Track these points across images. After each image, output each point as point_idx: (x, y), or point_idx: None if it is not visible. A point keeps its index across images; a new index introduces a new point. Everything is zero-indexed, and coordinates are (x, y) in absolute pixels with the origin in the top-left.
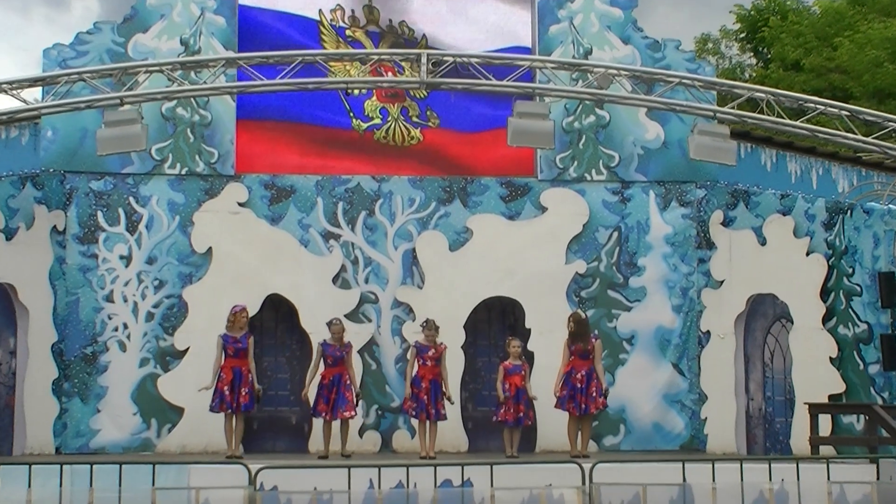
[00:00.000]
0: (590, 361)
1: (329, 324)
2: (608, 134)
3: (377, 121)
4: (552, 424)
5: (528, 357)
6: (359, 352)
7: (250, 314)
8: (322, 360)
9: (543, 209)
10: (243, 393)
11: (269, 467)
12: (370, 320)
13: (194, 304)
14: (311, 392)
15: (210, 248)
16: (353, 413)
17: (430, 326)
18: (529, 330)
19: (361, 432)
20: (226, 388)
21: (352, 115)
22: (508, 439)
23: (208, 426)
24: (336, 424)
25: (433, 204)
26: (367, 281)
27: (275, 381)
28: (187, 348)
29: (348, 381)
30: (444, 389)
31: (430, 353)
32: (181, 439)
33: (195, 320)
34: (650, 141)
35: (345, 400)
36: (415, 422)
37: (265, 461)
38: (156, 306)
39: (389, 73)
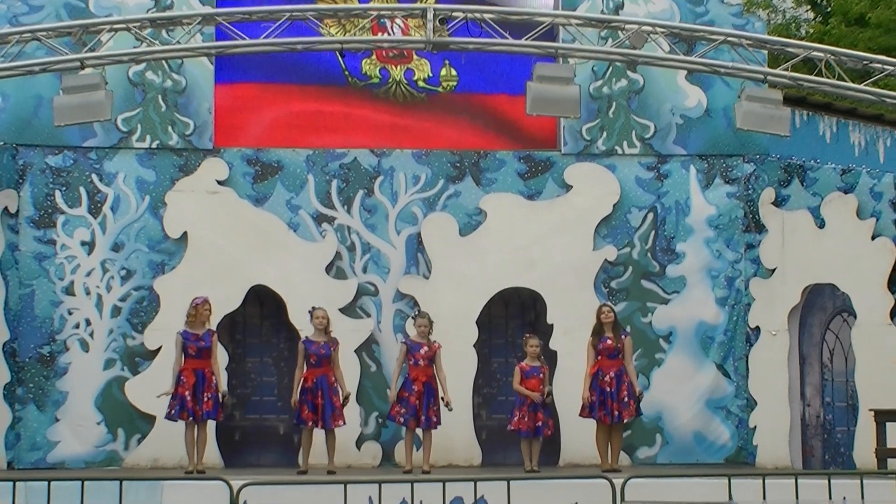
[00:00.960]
0: (619, 362)
1: (310, 313)
2: (642, 101)
3: (375, 80)
4: (578, 434)
5: (550, 358)
6: (356, 351)
7: (232, 308)
8: (304, 359)
9: (568, 187)
10: (206, 399)
11: (254, 483)
12: (369, 315)
13: (167, 297)
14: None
15: (185, 232)
16: (342, 422)
17: (424, 318)
18: (552, 326)
19: (359, 443)
20: (187, 393)
21: (347, 74)
22: (528, 451)
23: (182, 437)
24: (320, 434)
25: (441, 181)
26: (365, 270)
27: (260, 385)
28: (159, 348)
29: (335, 384)
30: (440, 394)
31: (423, 352)
32: (153, 452)
33: (168, 316)
34: (690, 109)
35: (332, 407)
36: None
37: (249, 477)
38: (123, 300)
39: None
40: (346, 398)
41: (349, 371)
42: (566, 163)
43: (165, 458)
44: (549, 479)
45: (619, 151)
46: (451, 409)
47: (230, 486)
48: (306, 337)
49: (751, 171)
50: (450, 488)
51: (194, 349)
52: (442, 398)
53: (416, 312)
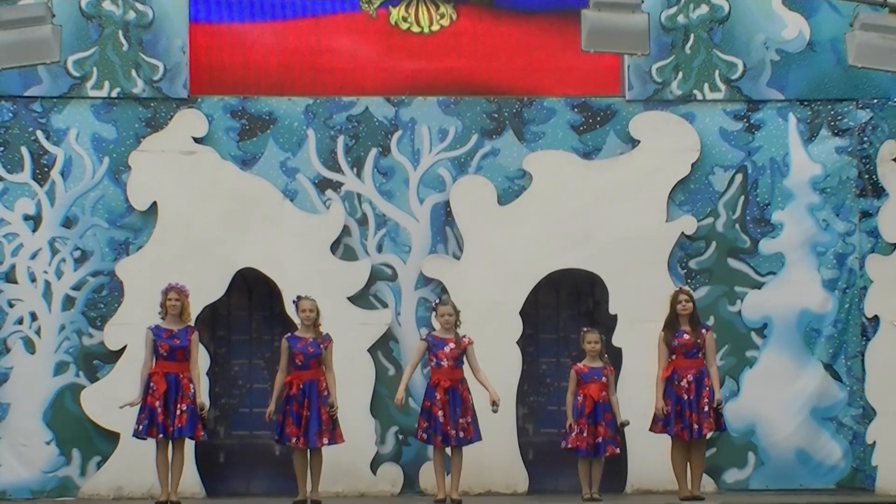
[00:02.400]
0: (699, 361)
1: (295, 304)
2: (727, 32)
3: None
4: (649, 453)
5: (614, 357)
6: (370, 351)
7: (214, 297)
8: (289, 360)
9: (634, 143)
10: (179, 411)
11: None
12: (386, 305)
13: (132, 284)
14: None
15: (154, 203)
16: (328, 440)
17: (446, 305)
18: (615, 318)
19: (375, 466)
20: (157, 403)
21: None
22: (586, 475)
23: (153, 459)
24: (326, 452)
25: (475, 136)
26: (380, 249)
27: (249, 394)
28: (123, 348)
29: (325, 392)
30: (470, 400)
31: (448, 350)
32: (115, 478)
33: (133, 308)
34: (789, 41)
35: (319, 420)
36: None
37: None
38: (77, 288)
39: None
40: (331, 407)
41: (361, 375)
42: (632, 111)
43: (132, 485)
44: None
45: (699, 97)
46: (496, 411)
47: None
48: (291, 333)
49: (866, 120)
50: None
51: (166, 349)
52: (490, 400)
53: (438, 299)
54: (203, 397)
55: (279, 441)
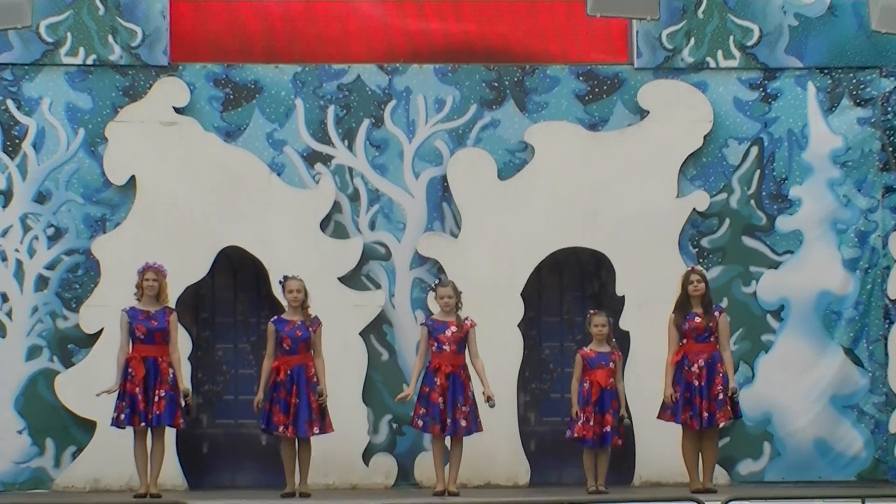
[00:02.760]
0: (712, 346)
1: (281, 284)
2: None
3: None
4: (658, 443)
5: (621, 341)
6: (362, 334)
7: (196, 278)
8: (276, 344)
9: (643, 114)
10: (158, 398)
11: None
12: (379, 287)
13: (109, 263)
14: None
15: (132, 177)
16: (318, 430)
17: (446, 287)
18: (622, 300)
19: (368, 456)
20: (137, 390)
21: None
22: (591, 466)
23: (132, 449)
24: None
25: (473, 107)
26: (373, 227)
27: (234, 380)
28: (100, 331)
29: (314, 379)
30: (471, 389)
31: (450, 333)
32: (92, 470)
33: (110, 288)
34: (809, 5)
35: (308, 409)
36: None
37: (221, 501)
38: (51, 267)
39: None
40: (321, 396)
41: (353, 361)
42: (641, 80)
43: (109, 477)
44: (620, 503)
45: (712, 64)
46: (492, 406)
47: None
48: (278, 316)
49: (890, 89)
50: None
51: (143, 331)
52: (483, 395)
53: (437, 282)
54: (185, 383)
55: (266, 430)
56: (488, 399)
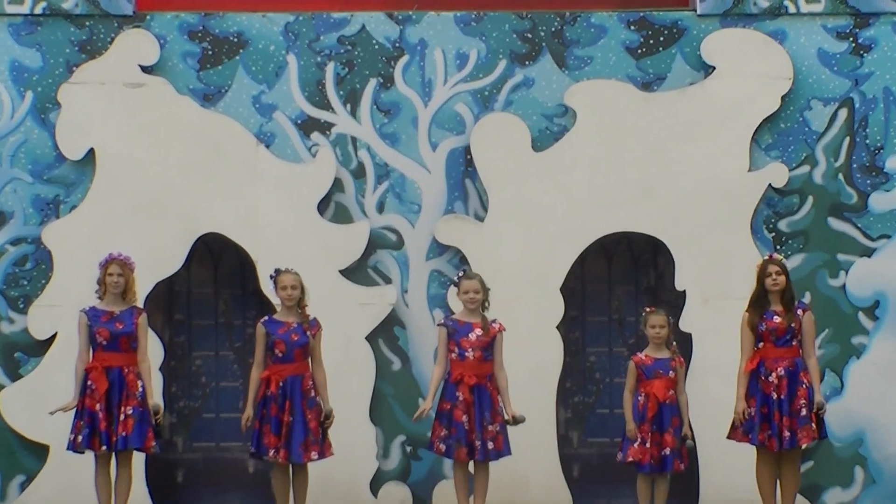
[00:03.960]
0: (793, 350)
1: (273, 279)
2: None
3: None
4: (726, 468)
5: (683, 345)
6: (369, 339)
7: (170, 271)
8: (267, 350)
9: (707, 70)
10: (124, 416)
11: None
12: (389, 280)
13: (64, 254)
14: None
15: (91, 150)
16: (317, 454)
17: (472, 280)
18: (683, 295)
19: (376, 486)
20: (97, 407)
21: None
22: (646, 496)
23: (92, 478)
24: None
25: (502, 63)
26: (381, 209)
27: (215, 394)
28: (53, 336)
29: (312, 393)
30: (500, 402)
31: (474, 337)
32: (45, 501)
33: (65, 284)
34: None
35: (305, 429)
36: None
37: None
38: None
39: None
40: (328, 418)
41: (358, 370)
42: (704, 29)
43: None
44: None
45: (792, 9)
46: (513, 422)
47: None
48: (269, 316)
49: None
50: None
51: (106, 336)
52: (511, 419)
53: (462, 273)
54: (156, 398)
55: (255, 455)
56: (513, 419)
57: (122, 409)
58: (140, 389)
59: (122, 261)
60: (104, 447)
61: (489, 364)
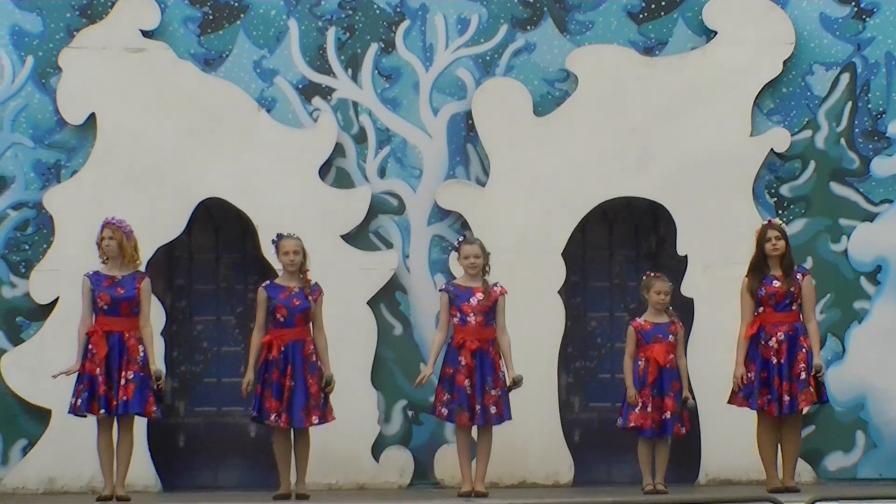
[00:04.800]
0: (793, 315)
1: (275, 244)
2: None
3: None
4: (727, 433)
5: (683, 310)
6: (370, 304)
7: (170, 236)
8: (269, 315)
9: (709, 34)
10: (125, 380)
11: None
12: (390, 245)
13: (65, 219)
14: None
15: (92, 115)
16: (318, 419)
17: (473, 245)
18: (684, 260)
19: (378, 451)
20: (97, 371)
21: None
22: (647, 461)
23: (94, 443)
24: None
25: (504, 28)
26: (383, 174)
27: (216, 359)
28: (54, 301)
29: (313, 358)
30: (502, 367)
31: (475, 302)
32: (46, 467)
33: (67, 249)
34: None
35: (306, 394)
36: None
37: None
38: None
39: None
40: (328, 383)
41: (360, 335)
42: None
43: (67, 476)
44: None
45: None
46: (515, 386)
47: None
48: (270, 281)
49: None
50: None
51: (107, 301)
52: (512, 383)
53: (462, 238)
54: (158, 364)
55: (257, 419)
56: (513, 383)
57: (123, 373)
58: (141, 354)
59: (115, 224)
60: (102, 411)
61: (491, 328)
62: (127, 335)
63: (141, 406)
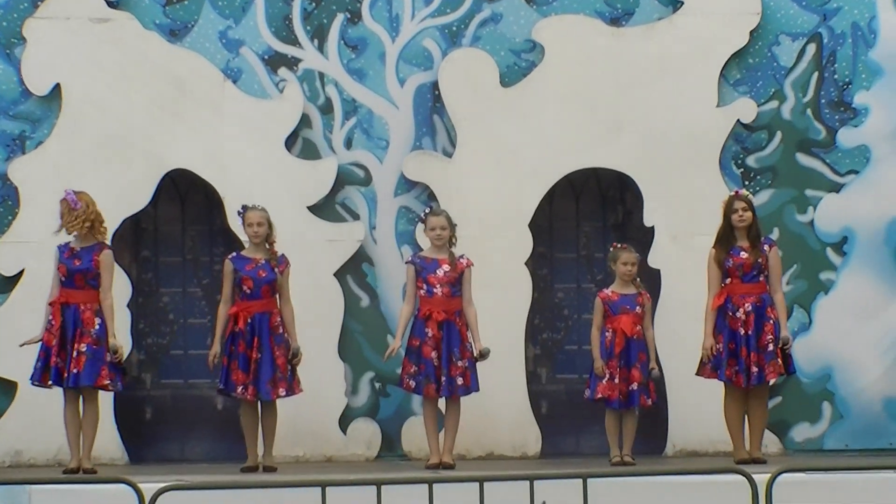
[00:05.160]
0: (761, 286)
1: (240, 216)
2: None
3: None
4: (695, 404)
5: (651, 281)
6: (337, 275)
7: (136, 208)
8: (235, 287)
9: (676, 4)
10: (76, 353)
11: (176, 488)
12: (357, 217)
13: (31, 190)
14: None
15: (57, 86)
16: (285, 391)
17: (439, 216)
18: (651, 231)
19: (345, 423)
20: (53, 342)
21: None
22: (615, 432)
23: (61, 415)
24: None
25: None
26: (349, 144)
27: (182, 331)
28: (20, 273)
29: (280, 330)
30: (469, 339)
31: (442, 273)
32: (12, 441)
33: (32, 221)
34: None
35: (273, 366)
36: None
37: (168, 477)
38: None
39: None
40: (295, 355)
41: (327, 307)
42: None
43: (33, 449)
44: (649, 476)
45: None
46: (482, 357)
47: (139, 493)
48: (236, 253)
49: None
50: (491, 492)
51: (64, 272)
52: (479, 355)
53: (428, 209)
54: (117, 337)
55: (224, 391)
56: (480, 356)
57: (76, 346)
58: (97, 327)
59: (66, 198)
60: (51, 382)
61: (458, 300)
62: (83, 307)
63: (91, 379)
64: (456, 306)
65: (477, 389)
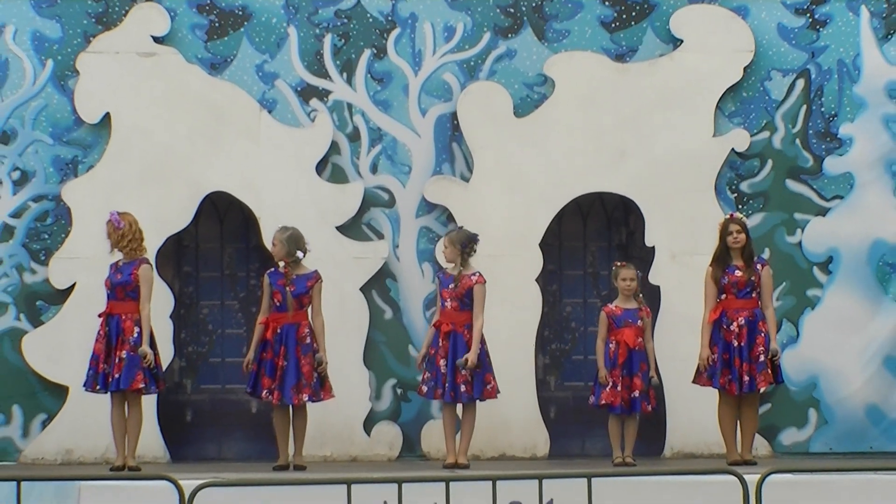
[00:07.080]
0: (753, 302)
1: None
2: None
3: None
4: (691, 410)
5: (651, 297)
6: (363, 290)
7: (178, 227)
8: (269, 300)
9: (676, 42)
10: (118, 359)
11: (214, 484)
12: (381, 236)
13: (82, 210)
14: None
15: (107, 115)
16: (308, 397)
17: (455, 239)
18: (652, 251)
19: (369, 425)
20: (100, 349)
21: None
22: (617, 435)
23: (108, 417)
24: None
25: (487, 35)
26: (375, 169)
27: (220, 340)
28: (72, 286)
29: (307, 339)
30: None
31: (452, 287)
32: (64, 440)
33: (83, 238)
34: None
35: (297, 373)
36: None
37: (206, 475)
38: (16, 215)
39: None
40: (320, 364)
41: (353, 319)
42: (674, 4)
43: (83, 448)
44: (648, 477)
45: None
46: (466, 369)
47: (179, 489)
48: (274, 268)
49: None
50: (503, 490)
51: (108, 285)
52: (465, 361)
53: (451, 230)
54: (145, 345)
55: (252, 394)
56: (465, 363)
57: (118, 353)
58: (135, 335)
59: (111, 219)
60: (98, 387)
61: (466, 313)
62: (124, 317)
63: (127, 383)
64: (464, 319)
65: (479, 397)
